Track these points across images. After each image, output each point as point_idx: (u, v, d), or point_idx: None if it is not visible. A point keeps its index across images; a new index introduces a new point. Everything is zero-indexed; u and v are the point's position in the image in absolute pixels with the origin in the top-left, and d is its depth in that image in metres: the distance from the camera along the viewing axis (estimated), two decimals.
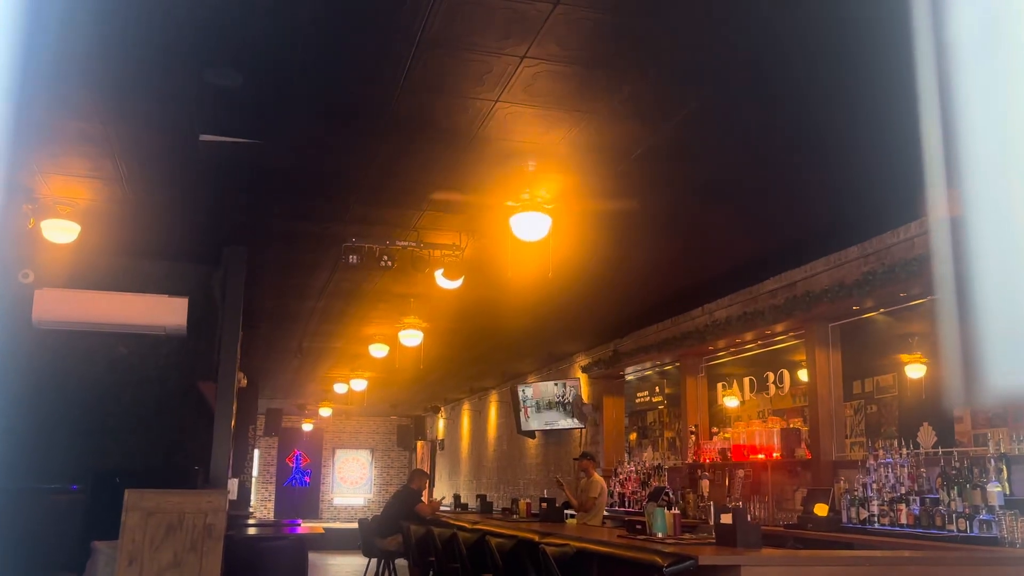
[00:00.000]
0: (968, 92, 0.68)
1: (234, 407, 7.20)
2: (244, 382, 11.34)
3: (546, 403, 12.90)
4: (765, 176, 5.59)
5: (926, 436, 6.06)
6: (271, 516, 21.42)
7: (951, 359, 0.66)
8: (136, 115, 4.83)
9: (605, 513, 9.33)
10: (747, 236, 6.85)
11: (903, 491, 5.79)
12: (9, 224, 6.43)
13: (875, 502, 5.93)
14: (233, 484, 9.82)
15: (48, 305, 6.93)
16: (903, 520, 5.68)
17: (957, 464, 5.40)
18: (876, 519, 5.89)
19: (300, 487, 22.64)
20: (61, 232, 6.35)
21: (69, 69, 4.28)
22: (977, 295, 0.65)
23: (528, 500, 9.76)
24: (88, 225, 6.50)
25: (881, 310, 6.62)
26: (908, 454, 5.93)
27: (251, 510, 13.51)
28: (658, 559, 4.14)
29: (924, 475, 5.79)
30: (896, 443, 6.07)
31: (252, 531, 8.17)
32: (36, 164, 5.56)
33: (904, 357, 6.40)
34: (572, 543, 5.21)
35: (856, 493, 6.13)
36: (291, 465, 22.69)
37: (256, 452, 20.17)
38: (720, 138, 5.01)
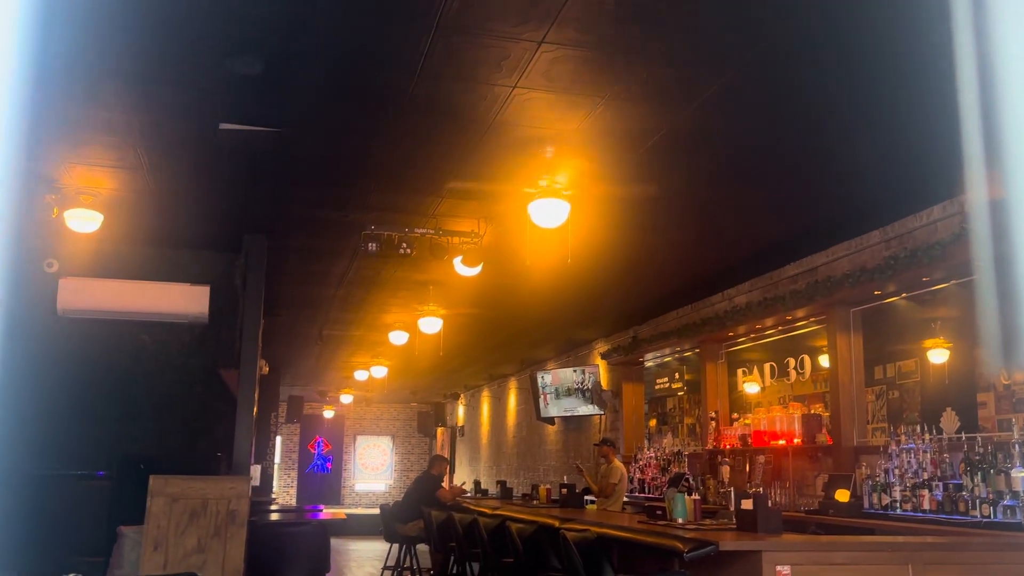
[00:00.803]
0: (1011, 73, 0.68)
1: (256, 394, 7.26)
2: (266, 369, 11.43)
3: (565, 390, 12.91)
4: (786, 160, 5.54)
5: (949, 421, 6.02)
6: (293, 502, 21.62)
7: (990, 334, 0.66)
8: (157, 104, 4.86)
9: (625, 499, 9.35)
10: (767, 221, 6.80)
11: (926, 477, 5.76)
12: (33, 214, 6.51)
13: (897, 488, 5.90)
14: (256, 470, 9.92)
15: (72, 294, 7.01)
16: (926, 506, 5.65)
17: (981, 449, 5.36)
18: (898, 505, 5.86)
19: (322, 473, 22.82)
20: (84, 221, 6.41)
21: (91, 59, 4.31)
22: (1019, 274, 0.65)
23: (548, 486, 9.79)
24: (111, 214, 6.56)
25: (903, 295, 6.56)
26: (931, 439, 5.89)
27: (274, 496, 13.65)
28: (679, 544, 4.14)
29: (947, 460, 5.75)
30: (919, 428, 6.03)
31: (275, 517, 8.27)
32: (59, 154, 5.61)
33: (927, 342, 6.34)
34: (592, 528, 5.22)
35: (878, 479, 6.10)
36: (313, 451, 22.88)
37: (278, 439, 20.35)
38: (740, 122, 4.97)
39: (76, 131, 5.24)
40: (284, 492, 22.01)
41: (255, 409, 7.24)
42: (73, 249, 7.35)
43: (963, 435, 5.78)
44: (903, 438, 6.05)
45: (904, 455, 5.95)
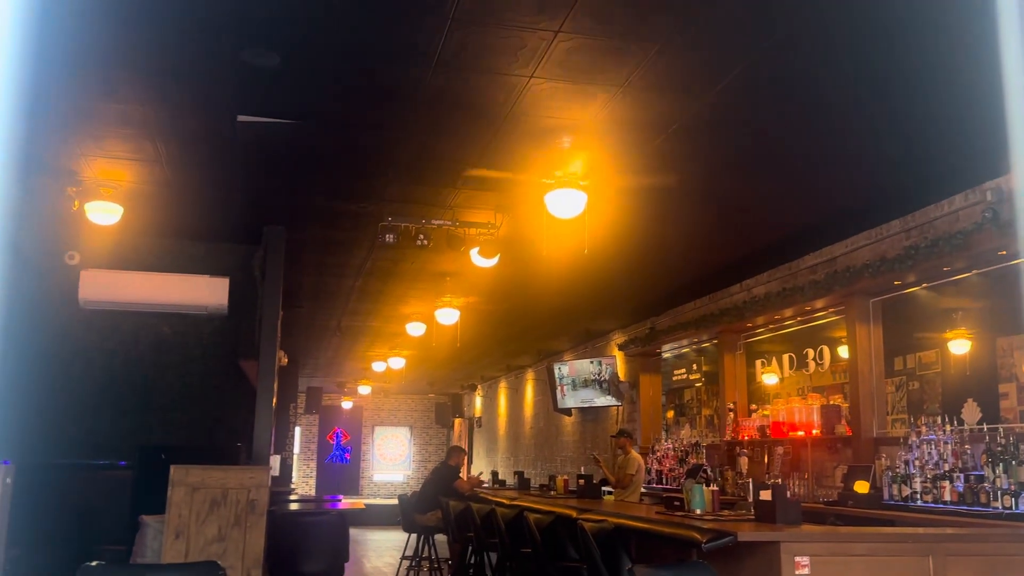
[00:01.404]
0: None
1: (275, 385, 7.31)
2: (285, 360, 11.50)
3: (582, 381, 12.91)
4: (805, 149, 5.50)
5: (970, 412, 5.97)
6: (313, 492, 21.77)
7: None
8: (174, 97, 4.89)
9: (642, 490, 9.34)
10: (786, 211, 6.75)
11: (946, 468, 5.72)
12: (55, 207, 6.57)
13: (917, 479, 5.86)
14: (275, 461, 10.00)
15: (94, 286, 7.08)
16: (946, 497, 5.61)
17: (1003, 440, 5.31)
18: (919, 496, 5.82)
19: (341, 464, 22.96)
20: (105, 214, 6.46)
21: (108, 53, 4.34)
22: None
23: (565, 477, 9.80)
24: (131, 207, 6.61)
25: (924, 285, 6.50)
26: (952, 430, 5.84)
27: (293, 486, 13.74)
28: (696, 535, 4.13)
29: (968, 452, 5.71)
30: (939, 419, 5.99)
31: (294, 506, 8.32)
32: (79, 147, 5.66)
33: (948, 333, 6.29)
34: (610, 519, 5.23)
35: (898, 470, 6.07)
36: (332, 442, 23.01)
37: (297, 429, 20.49)
38: (759, 110, 4.94)
39: (95, 124, 5.28)
40: (303, 482, 22.16)
41: (274, 400, 7.28)
42: (94, 241, 7.42)
43: (985, 426, 5.73)
44: (923, 429, 6.00)
45: (925, 446, 5.91)
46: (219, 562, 3.29)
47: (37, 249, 6.95)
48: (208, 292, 7.24)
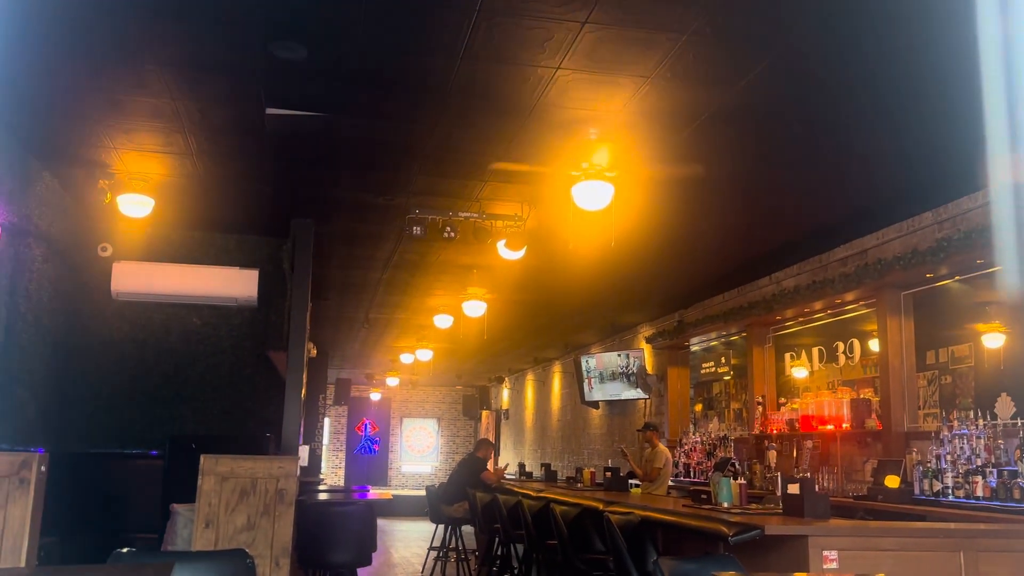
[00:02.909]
0: None
1: (304, 376, 7.37)
2: (314, 352, 11.60)
3: (610, 374, 12.88)
4: (835, 140, 5.43)
5: (1004, 407, 5.87)
6: (341, 483, 21.95)
7: None
8: (205, 90, 4.93)
9: (670, 483, 9.31)
10: (816, 202, 6.68)
11: (979, 463, 5.63)
12: (88, 200, 6.66)
13: (949, 474, 5.78)
14: (304, 451, 10.08)
15: (126, 277, 7.17)
16: (979, 492, 5.53)
17: None
18: (950, 491, 5.74)
19: (369, 455, 23.11)
20: (136, 206, 6.54)
21: (140, 48, 4.39)
22: None
23: (592, 469, 9.79)
24: (162, 199, 6.69)
25: (956, 277, 6.41)
26: (985, 425, 5.75)
27: (322, 477, 13.86)
28: (724, 528, 4.11)
29: (1001, 447, 5.62)
30: (972, 414, 5.90)
31: (323, 497, 8.39)
32: (111, 140, 5.73)
33: (981, 326, 6.19)
34: (637, 511, 5.21)
35: (929, 465, 5.99)
36: (360, 433, 23.17)
37: (326, 420, 20.63)
38: (787, 101, 4.88)
39: (127, 118, 5.34)
40: (332, 473, 22.34)
41: (303, 391, 7.34)
42: (126, 233, 7.52)
43: (1019, 421, 5.64)
44: (956, 423, 5.92)
45: (957, 441, 5.83)
46: (248, 551, 3.33)
47: (70, 242, 7.05)
48: (238, 284, 7.31)
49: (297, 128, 5.34)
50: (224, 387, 7.71)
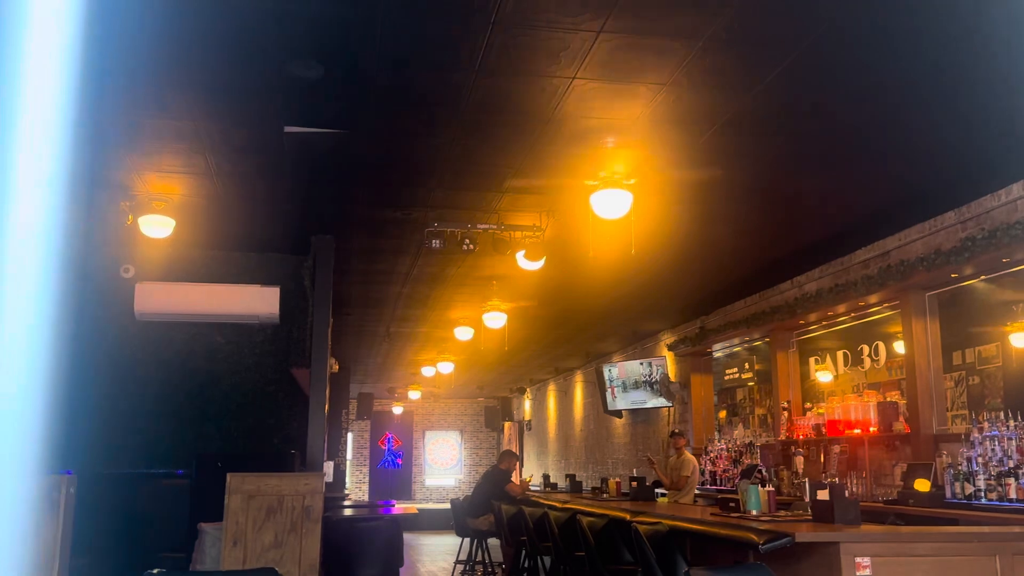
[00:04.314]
0: None
1: (327, 392, 7.38)
2: (336, 367, 11.62)
3: (632, 382, 12.83)
4: (854, 142, 5.39)
5: None
6: (366, 498, 21.96)
7: None
8: (223, 111, 4.97)
9: (696, 492, 9.24)
10: (836, 204, 6.63)
11: (1011, 465, 5.55)
12: (109, 221, 6.72)
13: (981, 476, 5.70)
14: (329, 467, 10.10)
15: (148, 298, 7.23)
16: (1012, 495, 5.45)
17: None
18: (983, 494, 5.66)
19: (393, 469, 23.12)
20: (158, 227, 6.59)
21: (159, 70, 4.43)
22: None
23: (617, 479, 9.74)
24: (183, 220, 6.74)
25: (982, 277, 6.34)
26: (1016, 426, 5.67)
27: (346, 492, 13.88)
28: (753, 536, 4.07)
29: None
30: (1002, 415, 5.82)
31: (348, 512, 8.40)
32: (132, 162, 5.79)
33: (1008, 326, 6.11)
34: (664, 521, 5.18)
35: (960, 467, 5.91)
36: (383, 448, 23.18)
37: (349, 435, 20.68)
38: (805, 104, 4.85)
39: (148, 140, 5.39)
40: (356, 488, 22.36)
41: (326, 406, 7.36)
42: (148, 254, 7.58)
43: None
44: (986, 425, 5.84)
45: (987, 442, 5.75)
46: (276, 568, 3.33)
47: (94, 263, 7.12)
48: (260, 301, 7.35)
49: (315, 145, 5.38)
50: (248, 404, 7.74)
